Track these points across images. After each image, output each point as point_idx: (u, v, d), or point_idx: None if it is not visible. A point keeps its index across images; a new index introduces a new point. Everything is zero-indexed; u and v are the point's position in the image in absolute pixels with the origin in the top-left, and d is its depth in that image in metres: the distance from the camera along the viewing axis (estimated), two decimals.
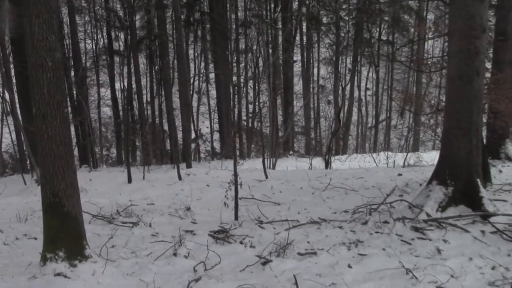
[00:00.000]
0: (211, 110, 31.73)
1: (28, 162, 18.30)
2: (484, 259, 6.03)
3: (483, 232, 7.06)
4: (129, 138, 19.27)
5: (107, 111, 32.39)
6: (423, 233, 7.11)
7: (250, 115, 30.36)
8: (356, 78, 33.74)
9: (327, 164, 17.91)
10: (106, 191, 12.44)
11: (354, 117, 34.89)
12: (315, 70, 35.59)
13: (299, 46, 33.97)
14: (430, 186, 8.40)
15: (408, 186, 10.95)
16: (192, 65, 31.59)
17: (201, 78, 32.07)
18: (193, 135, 27.05)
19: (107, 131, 32.68)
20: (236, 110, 27.35)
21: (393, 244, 6.77)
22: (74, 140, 21.43)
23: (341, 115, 27.88)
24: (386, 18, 31.85)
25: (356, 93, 33.87)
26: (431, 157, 16.71)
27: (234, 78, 26.38)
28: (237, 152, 25.46)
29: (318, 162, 19.15)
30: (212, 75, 30.58)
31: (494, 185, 9.81)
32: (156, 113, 28.04)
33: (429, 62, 19.32)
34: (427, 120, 20.10)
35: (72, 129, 21.80)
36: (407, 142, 32.37)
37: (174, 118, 22.67)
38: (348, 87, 31.60)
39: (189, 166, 16.62)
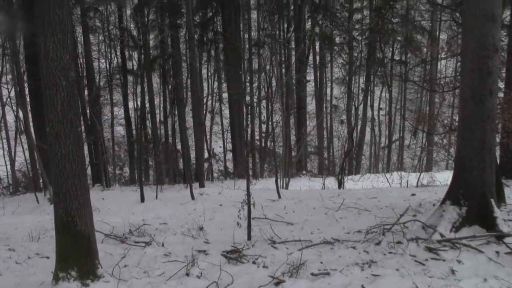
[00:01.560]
0: (224, 130, 31.82)
1: (41, 180, 18.43)
2: (499, 280, 5.96)
3: (497, 252, 6.98)
4: (142, 157, 19.31)
5: (120, 130, 32.56)
6: (437, 254, 7.04)
7: (263, 134, 30.39)
8: (369, 97, 33.65)
9: (340, 184, 17.83)
10: (119, 210, 12.47)
11: (367, 136, 34.79)
12: (328, 90, 35.59)
13: (312, 66, 34.06)
14: (444, 206, 8.33)
15: (421, 206, 10.87)
16: (205, 84, 31.74)
17: (214, 98, 32.23)
18: (206, 155, 27.11)
19: (120, 150, 32.80)
20: (249, 129, 27.39)
21: (407, 265, 6.71)
22: (87, 159, 21.54)
23: (354, 134, 27.81)
24: (399, 38, 31.88)
25: (369, 113, 33.78)
26: (444, 177, 16.61)
27: (247, 98, 26.48)
28: (250, 172, 25.45)
29: (331, 182, 19.09)
30: (225, 95, 30.69)
31: (508, 205, 9.72)
32: (169, 132, 28.18)
33: (442, 82, 19.32)
34: (440, 140, 20.04)
35: (85, 148, 21.93)
36: (420, 162, 32.25)
37: (187, 138, 22.77)
38: (361, 107, 31.55)
39: (202, 185, 16.64)
